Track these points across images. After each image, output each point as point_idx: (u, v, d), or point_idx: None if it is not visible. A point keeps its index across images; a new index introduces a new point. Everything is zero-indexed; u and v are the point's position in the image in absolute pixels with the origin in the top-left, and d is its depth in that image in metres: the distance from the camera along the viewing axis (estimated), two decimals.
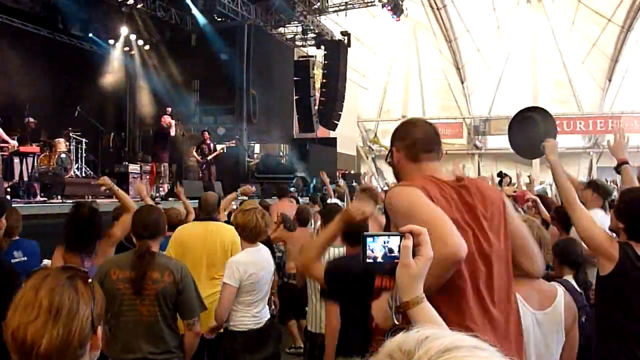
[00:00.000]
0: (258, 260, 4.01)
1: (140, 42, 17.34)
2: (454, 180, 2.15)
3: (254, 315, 3.99)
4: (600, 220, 4.72)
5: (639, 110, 29.66)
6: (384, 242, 1.38)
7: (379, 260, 1.39)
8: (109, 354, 3.26)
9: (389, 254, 1.38)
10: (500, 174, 9.13)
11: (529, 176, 11.53)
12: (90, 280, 1.48)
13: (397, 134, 2.29)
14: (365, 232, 1.41)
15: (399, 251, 1.36)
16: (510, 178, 9.38)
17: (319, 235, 3.68)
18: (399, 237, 1.37)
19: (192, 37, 17.23)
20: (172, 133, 12.35)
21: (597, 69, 31.04)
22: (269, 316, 4.16)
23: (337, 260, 3.22)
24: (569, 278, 3.77)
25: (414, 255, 1.35)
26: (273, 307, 5.41)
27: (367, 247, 1.39)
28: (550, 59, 31.20)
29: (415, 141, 2.23)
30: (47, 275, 1.44)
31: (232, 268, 3.89)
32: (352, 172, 22.19)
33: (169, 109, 13.01)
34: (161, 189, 12.44)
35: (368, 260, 1.39)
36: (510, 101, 32.20)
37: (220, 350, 4.22)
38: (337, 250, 3.90)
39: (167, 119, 12.37)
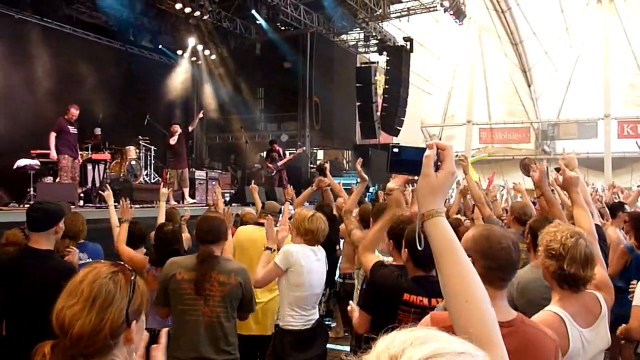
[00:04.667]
0: (312, 258, 4.14)
1: (207, 52, 17.89)
2: (507, 324, 1.98)
3: (303, 315, 4.11)
4: None
5: None
6: (414, 152, 1.40)
7: (406, 169, 1.45)
8: (170, 351, 3.44)
9: (415, 164, 1.38)
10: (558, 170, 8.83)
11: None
12: (133, 277, 1.60)
13: (480, 249, 2.09)
14: (392, 144, 1.42)
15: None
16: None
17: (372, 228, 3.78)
18: (425, 150, 1.37)
19: (256, 46, 17.63)
20: (172, 142, 12.31)
21: None
22: (317, 317, 4.27)
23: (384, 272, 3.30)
24: None
25: (436, 170, 1.35)
26: (323, 308, 5.51)
27: (394, 155, 1.42)
28: (623, 60, 30.05)
29: (496, 267, 2.06)
30: (95, 268, 1.58)
31: (285, 253, 4.08)
32: (416, 177, 22.07)
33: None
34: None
35: (396, 169, 1.44)
36: (580, 104, 31.30)
37: (270, 347, 4.36)
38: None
39: (175, 127, 12.61)
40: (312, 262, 4.13)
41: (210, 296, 3.59)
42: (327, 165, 7.48)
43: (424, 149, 1.37)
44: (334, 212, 6.73)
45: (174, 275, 3.61)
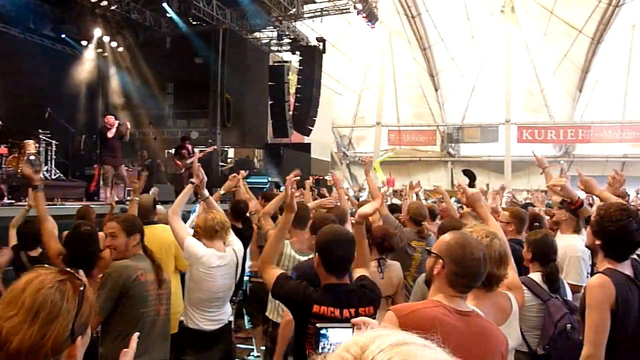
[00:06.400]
0: (215, 261, 4.09)
1: (114, 44, 17.15)
2: (464, 314, 2.16)
3: (205, 315, 4.08)
4: (581, 249, 4.81)
5: (608, 120, 30.24)
6: (337, 335, 1.43)
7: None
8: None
9: None
10: (466, 173, 9.19)
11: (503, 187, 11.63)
12: (82, 287, 1.45)
13: (452, 255, 2.20)
14: (318, 324, 1.45)
15: None
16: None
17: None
18: (351, 329, 1.39)
19: (166, 39, 17.14)
20: (110, 135, 11.58)
21: (568, 80, 31.60)
22: (226, 321, 4.22)
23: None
24: (536, 276, 3.83)
25: None
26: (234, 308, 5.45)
27: (321, 338, 1.44)
28: (523, 68, 31.66)
29: (463, 275, 2.19)
30: (39, 275, 1.42)
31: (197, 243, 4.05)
32: (326, 177, 22.21)
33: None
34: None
35: (322, 350, 1.44)
36: (483, 109, 32.70)
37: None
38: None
39: (110, 119, 11.82)
40: (215, 265, 4.06)
41: (163, 294, 3.54)
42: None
43: (350, 327, 1.38)
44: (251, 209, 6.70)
45: (137, 277, 3.39)
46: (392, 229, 5.19)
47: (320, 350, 1.44)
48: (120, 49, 17.36)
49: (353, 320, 1.39)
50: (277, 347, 4.20)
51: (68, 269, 1.52)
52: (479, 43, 31.77)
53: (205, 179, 4.73)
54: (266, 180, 16.35)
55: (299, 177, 3.99)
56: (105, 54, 17.55)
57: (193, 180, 4.65)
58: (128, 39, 17.33)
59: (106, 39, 16.78)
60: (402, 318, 2.03)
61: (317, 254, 2.98)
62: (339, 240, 2.96)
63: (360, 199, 9.69)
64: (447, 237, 2.29)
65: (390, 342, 0.82)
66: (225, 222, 4.17)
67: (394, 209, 6.77)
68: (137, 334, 1.74)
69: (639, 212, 3.09)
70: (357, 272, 3.16)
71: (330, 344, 1.44)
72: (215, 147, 15.46)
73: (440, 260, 2.20)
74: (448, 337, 2.05)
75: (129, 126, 12.38)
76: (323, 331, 1.44)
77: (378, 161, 28.50)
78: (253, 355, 6.47)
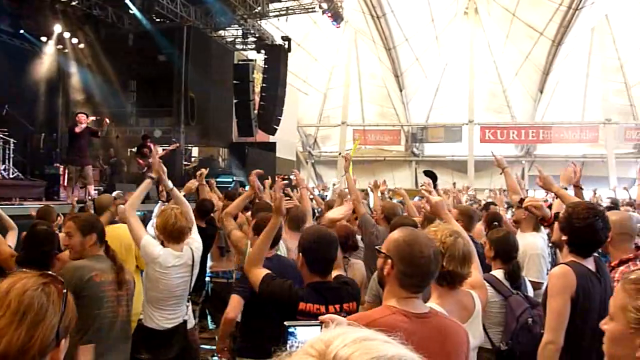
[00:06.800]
0: (172, 261, 4.06)
1: (75, 40, 16.79)
2: (421, 316, 2.11)
3: (161, 314, 4.05)
4: (540, 246, 4.95)
5: (568, 121, 30.87)
6: (306, 333, 1.42)
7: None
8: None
9: None
10: (427, 173, 9.28)
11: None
12: (65, 290, 1.44)
13: (400, 253, 2.15)
14: (286, 323, 1.44)
15: None
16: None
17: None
18: (319, 327, 1.40)
19: (129, 37, 16.86)
20: (77, 130, 11.30)
21: (529, 81, 32.15)
22: (182, 320, 4.17)
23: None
24: (498, 273, 3.90)
25: None
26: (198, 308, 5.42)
27: (289, 338, 1.43)
28: (486, 69, 32.12)
29: (413, 274, 2.13)
30: (21, 277, 1.41)
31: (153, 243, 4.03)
32: (291, 177, 22.25)
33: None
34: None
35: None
36: (447, 109, 33.08)
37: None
38: None
39: (82, 117, 11.54)
40: (171, 264, 4.03)
41: (122, 296, 3.48)
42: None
43: (319, 325, 1.40)
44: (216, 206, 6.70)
45: (90, 278, 3.32)
46: (370, 227, 5.26)
47: (288, 349, 1.43)
48: (82, 45, 16.99)
49: (321, 317, 1.39)
50: (217, 344, 4.22)
51: (49, 272, 1.51)
52: (443, 44, 32.10)
53: (165, 171, 4.66)
54: (231, 180, 16.25)
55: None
56: (66, 50, 17.17)
57: (151, 175, 4.56)
58: (89, 36, 16.96)
59: (67, 35, 16.41)
60: None
61: (300, 254, 3.06)
62: (323, 241, 3.06)
63: (326, 199, 9.70)
64: (395, 234, 2.23)
65: (353, 337, 0.83)
66: (185, 228, 4.10)
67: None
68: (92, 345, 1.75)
69: (605, 212, 3.23)
70: (334, 273, 3.24)
71: (299, 342, 1.42)
72: (178, 144, 15.27)
73: (389, 260, 2.14)
74: (408, 345, 2.05)
75: (107, 122, 12.19)
76: (291, 329, 1.43)
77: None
78: (217, 356, 6.41)
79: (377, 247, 2.36)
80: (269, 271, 3.21)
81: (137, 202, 4.33)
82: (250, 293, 3.59)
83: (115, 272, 3.44)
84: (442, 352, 2.06)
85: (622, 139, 30.05)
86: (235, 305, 3.81)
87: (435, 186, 8.99)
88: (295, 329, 1.42)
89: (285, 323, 1.43)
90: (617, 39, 29.63)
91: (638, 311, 1.46)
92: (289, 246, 4.69)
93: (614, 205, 8.81)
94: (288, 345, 1.42)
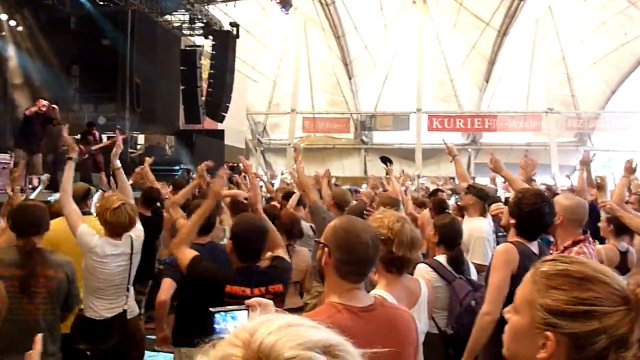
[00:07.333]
0: (108, 250, 3.97)
1: (13, 23, 16.13)
2: (366, 309, 2.07)
3: (102, 304, 3.97)
4: (486, 230, 5.11)
5: (512, 110, 31.60)
6: (231, 317, 1.39)
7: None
8: None
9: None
10: (383, 159, 9.39)
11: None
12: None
13: (337, 241, 2.09)
14: (211, 309, 1.41)
15: None
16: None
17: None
18: (246, 311, 1.39)
19: (71, 20, 16.34)
20: (27, 113, 10.99)
21: (476, 70, 32.71)
22: (121, 310, 4.08)
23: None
24: (442, 258, 3.97)
25: None
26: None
27: (215, 322, 1.40)
28: (434, 59, 32.49)
29: (350, 262, 2.07)
30: None
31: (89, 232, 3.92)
32: (240, 164, 22.15)
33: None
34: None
35: (216, 335, 1.40)
36: (395, 98, 33.36)
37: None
38: None
39: (41, 101, 11.18)
40: (108, 253, 3.94)
41: (36, 293, 3.36)
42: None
43: (245, 309, 1.39)
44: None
45: None
46: (322, 213, 5.27)
47: (215, 335, 1.39)
48: (20, 28, 16.36)
49: (247, 301, 1.37)
50: (157, 333, 4.20)
51: None
52: (392, 33, 32.27)
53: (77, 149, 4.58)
54: (178, 168, 16.01)
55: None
56: (4, 33, 16.48)
57: (70, 155, 4.40)
58: (28, 18, 16.36)
59: (4, 17, 15.76)
60: None
61: (230, 240, 3.18)
62: (252, 231, 3.18)
63: (274, 187, 9.67)
64: (332, 222, 2.20)
65: (278, 324, 0.82)
66: (129, 225, 3.98)
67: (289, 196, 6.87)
68: (40, 335, 1.72)
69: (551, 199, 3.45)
70: (275, 253, 3.41)
71: (226, 327, 1.39)
72: (124, 135, 14.91)
73: (327, 249, 2.08)
74: (357, 342, 2.05)
75: (56, 109, 11.73)
76: (217, 315, 1.39)
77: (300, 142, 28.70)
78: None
79: (316, 239, 2.36)
80: (197, 253, 3.27)
81: (69, 186, 4.18)
82: (181, 276, 3.64)
83: (29, 268, 3.31)
84: (392, 343, 2.03)
85: (563, 128, 30.98)
86: (166, 288, 3.89)
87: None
88: (221, 315, 1.38)
89: (211, 309, 1.40)
90: (559, 30, 30.41)
91: (546, 311, 1.25)
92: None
93: (549, 191, 9.07)
94: (215, 331, 1.39)
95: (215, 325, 1.39)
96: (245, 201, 5.43)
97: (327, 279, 2.13)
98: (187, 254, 3.21)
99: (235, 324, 1.36)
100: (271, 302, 1.37)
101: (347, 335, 1.94)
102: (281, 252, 3.45)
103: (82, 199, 4.79)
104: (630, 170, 5.04)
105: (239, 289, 3.00)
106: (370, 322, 2.04)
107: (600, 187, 5.91)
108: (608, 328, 1.17)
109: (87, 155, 12.78)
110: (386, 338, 2.00)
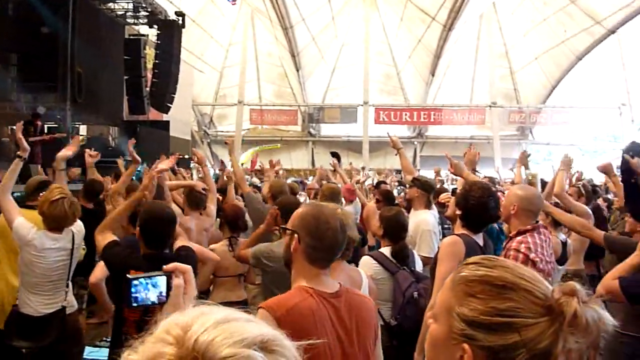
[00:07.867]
0: (48, 244, 3.90)
1: None
2: (335, 295, 2.13)
3: (38, 300, 3.90)
4: (432, 223, 5.19)
5: (457, 104, 32.20)
6: (151, 284, 1.36)
7: (152, 301, 1.37)
8: None
9: (159, 295, 1.36)
10: (333, 154, 9.53)
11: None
12: None
13: (307, 227, 2.15)
14: (128, 275, 1.39)
15: (167, 290, 1.34)
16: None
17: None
18: (164, 277, 1.35)
19: (8, 6, 15.72)
20: None
21: (422, 64, 33.14)
22: (60, 306, 4.01)
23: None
24: (386, 250, 4.02)
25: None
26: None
27: (134, 290, 1.37)
28: (381, 52, 32.78)
29: (321, 247, 2.14)
30: None
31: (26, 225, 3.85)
32: (187, 156, 21.81)
33: None
34: None
35: (137, 304, 1.38)
36: (343, 90, 33.51)
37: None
38: None
39: None
40: (47, 247, 3.87)
41: None
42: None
43: (164, 275, 1.35)
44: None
45: None
46: (256, 203, 5.30)
47: (133, 303, 1.39)
48: None
49: (165, 266, 1.35)
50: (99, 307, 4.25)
51: None
52: (339, 25, 32.37)
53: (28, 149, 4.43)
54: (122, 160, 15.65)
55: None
56: None
57: (19, 153, 4.29)
58: None
59: None
60: (281, 318, 1.93)
61: (137, 227, 3.29)
62: (158, 218, 3.29)
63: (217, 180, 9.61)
64: (300, 209, 2.28)
65: (214, 320, 0.79)
66: (68, 219, 3.90)
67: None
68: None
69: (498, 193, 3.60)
70: (179, 243, 3.56)
71: (147, 296, 1.37)
72: (58, 118, 14.55)
73: (296, 235, 2.15)
74: (327, 327, 2.10)
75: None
76: (135, 282, 1.37)
77: (261, 148, 28.83)
78: (105, 340, 6.22)
79: (283, 226, 2.41)
80: (116, 238, 3.38)
81: (10, 183, 4.10)
82: None
83: None
84: (358, 328, 2.11)
85: (506, 121, 31.76)
86: (97, 270, 3.97)
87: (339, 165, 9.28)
88: (140, 282, 1.36)
89: (128, 275, 1.38)
90: (503, 26, 31.13)
91: (463, 321, 1.12)
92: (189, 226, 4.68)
93: (492, 184, 9.31)
94: (132, 301, 1.38)
95: (136, 295, 1.36)
96: (202, 192, 5.42)
97: (296, 264, 2.19)
98: (105, 238, 3.32)
99: (156, 293, 1.34)
100: (190, 267, 1.36)
101: (319, 318, 2.01)
102: (185, 242, 3.60)
103: (34, 191, 4.65)
104: (567, 164, 5.20)
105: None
106: (339, 308, 2.10)
107: (532, 184, 6.13)
108: (528, 341, 1.05)
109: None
110: (354, 323, 2.10)
